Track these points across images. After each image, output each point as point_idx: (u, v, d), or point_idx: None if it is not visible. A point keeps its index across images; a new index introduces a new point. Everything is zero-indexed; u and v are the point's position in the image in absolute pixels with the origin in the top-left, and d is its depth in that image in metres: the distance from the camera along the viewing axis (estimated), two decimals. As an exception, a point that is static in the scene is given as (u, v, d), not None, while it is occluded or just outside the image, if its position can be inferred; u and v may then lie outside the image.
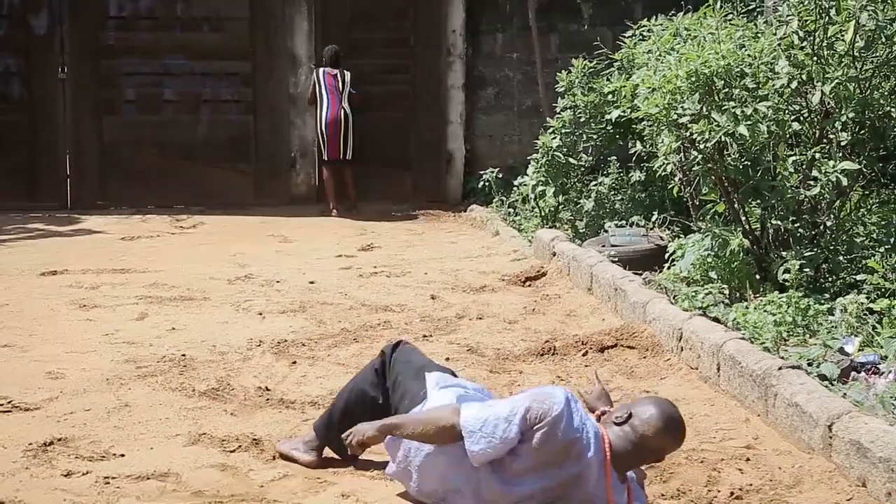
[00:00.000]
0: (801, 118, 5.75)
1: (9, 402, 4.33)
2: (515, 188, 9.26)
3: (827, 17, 5.46)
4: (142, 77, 11.41)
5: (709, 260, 5.67)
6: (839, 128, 5.57)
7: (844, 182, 5.44)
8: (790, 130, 5.66)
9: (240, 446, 3.85)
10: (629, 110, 6.93)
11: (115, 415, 4.23)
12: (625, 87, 6.93)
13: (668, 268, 6.16)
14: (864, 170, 5.75)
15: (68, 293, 6.70)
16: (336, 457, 3.72)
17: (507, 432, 3.06)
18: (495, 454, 3.08)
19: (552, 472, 3.07)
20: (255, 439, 3.91)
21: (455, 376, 3.64)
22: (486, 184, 10.16)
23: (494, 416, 3.09)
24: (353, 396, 3.69)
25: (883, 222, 5.96)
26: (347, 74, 10.74)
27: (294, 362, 5.02)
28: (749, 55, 5.68)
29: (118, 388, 4.60)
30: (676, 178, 6.43)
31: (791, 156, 5.74)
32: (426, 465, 3.28)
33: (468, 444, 3.09)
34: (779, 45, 5.66)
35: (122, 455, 3.77)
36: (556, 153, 8.45)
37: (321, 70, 10.78)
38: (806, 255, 5.46)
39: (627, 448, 3.10)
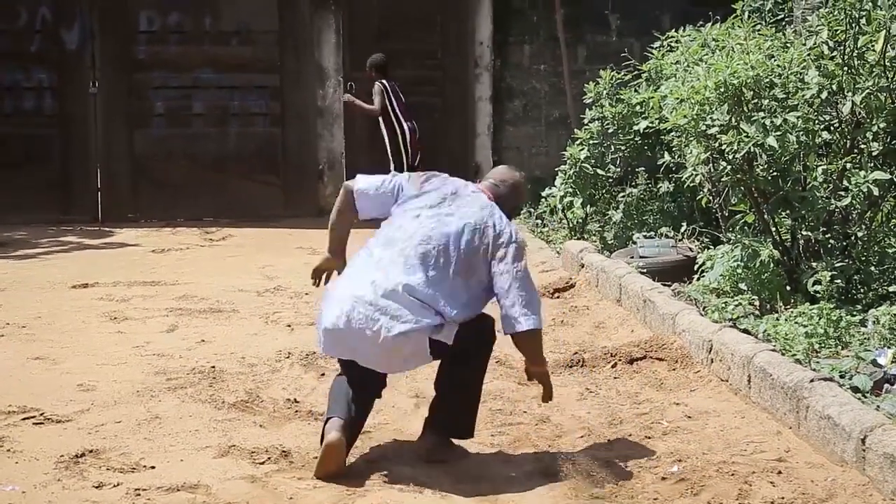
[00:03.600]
0: (832, 128, 5.71)
1: (41, 414, 4.37)
2: (543, 199, 9.24)
3: (857, 27, 5.43)
4: (171, 91, 11.53)
5: (738, 271, 5.63)
6: (870, 138, 5.53)
7: (876, 192, 5.39)
8: (820, 141, 5.62)
9: (269, 458, 3.86)
10: (657, 121, 6.91)
11: (146, 427, 4.25)
12: (653, 97, 6.91)
13: (698, 279, 6.13)
14: (896, 180, 5.70)
15: (99, 306, 6.75)
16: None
17: (392, 182, 4.05)
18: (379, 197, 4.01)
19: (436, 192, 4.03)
20: (284, 451, 3.92)
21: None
22: (514, 195, 10.13)
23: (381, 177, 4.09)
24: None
25: (915, 233, 5.91)
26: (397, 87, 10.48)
27: (323, 374, 5.03)
28: (778, 65, 5.65)
29: (148, 399, 4.63)
30: (705, 189, 6.40)
31: (821, 166, 5.70)
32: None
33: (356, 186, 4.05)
34: (808, 55, 5.62)
35: (153, 467, 3.79)
36: (584, 164, 8.42)
37: (387, 83, 10.33)
38: (837, 266, 5.42)
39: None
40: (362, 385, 3.85)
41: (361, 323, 3.73)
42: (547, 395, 4.05)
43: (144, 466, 3.79)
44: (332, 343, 3.86)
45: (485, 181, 4.23)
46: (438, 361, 3.92)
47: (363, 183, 4.07)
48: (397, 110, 10.34)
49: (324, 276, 4.19)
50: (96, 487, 3.58)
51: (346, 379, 3.87)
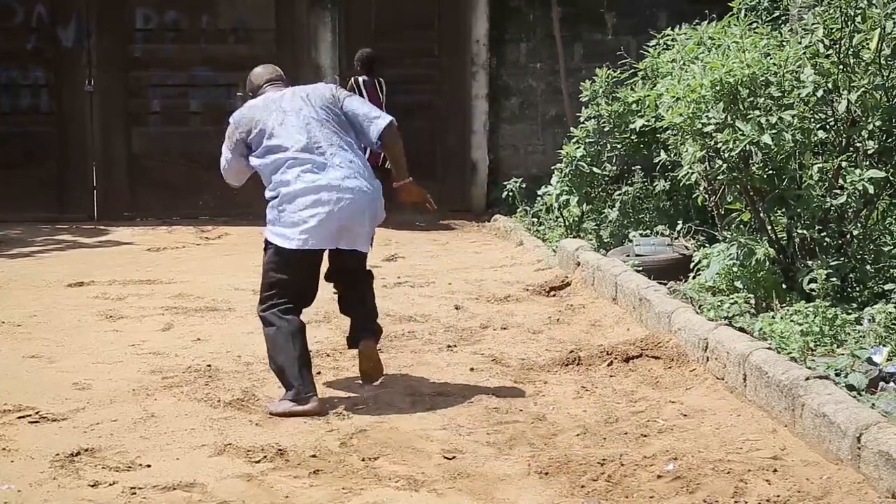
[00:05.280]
0: (827, 127, 5.72)
1: (36, 413, 4.37)
2: (539, 198, 9.24)
3: (852, 26, 5.44)
4: (168, 89, 11.50)
5: (734, 269, 5.64)
6: (866, 136, 5.54)
7: (871, 190, 5.40)
8: (816, 139, 5.63)
9: (265, 457, 3.86)
10: (653, 119, 6.92)
11: (142, 425, 4.25)
12: (649, 96, 6.91)
13: (694, 277, 6.14)
14: (892, 178, 5.70)
15: (95, 304, 6.75)
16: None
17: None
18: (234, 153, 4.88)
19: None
20: (280, 450, 3.92)
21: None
22: (510, 194, 10.15)
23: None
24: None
25: (911, 231, 5.92)
26: (383, 83, 10.50)
27: (318, 373, 5.03)
28: (774, 64, 5.66)
29: (144, 398, 4.63)
30: (701, 188, 6.41)
31: (817, 164, 5.71)
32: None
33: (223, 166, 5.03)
34: (804, 53, 5.63)
35: (149, 465, 3.79)
36: (580, 163, 8.43)
37: (360, 80, 10.38)
38: (832, 264, 5.42)
39: None
40: (301, 299, 4.70)
41: (344, 207, 4.57)
42: (428, 202, 5.11)
43: (140, 465, 3.79)
44: (320, 237, 4.57)
45: (280, 83, 4.98)
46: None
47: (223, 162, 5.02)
48: None
49: None
50: (92, 486, 3.58)
51: (284, 315, 4.57)
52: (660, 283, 6.18)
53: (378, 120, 4.77)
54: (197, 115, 11.53)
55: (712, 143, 5.78)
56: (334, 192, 4.55)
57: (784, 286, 5.68)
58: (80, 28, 11.35)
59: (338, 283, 4.93)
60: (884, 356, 4.42)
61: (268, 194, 4.70)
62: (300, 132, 4.65)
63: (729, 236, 5.88)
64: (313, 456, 3.87)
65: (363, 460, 3.84)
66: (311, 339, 5.69)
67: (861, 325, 4.88)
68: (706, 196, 6.42)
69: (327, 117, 4.73)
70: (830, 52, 5.55)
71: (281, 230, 4.58)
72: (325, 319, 6.22)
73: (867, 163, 5.59)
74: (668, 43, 7.46)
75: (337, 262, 4.80)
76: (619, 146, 8.59)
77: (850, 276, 5.62)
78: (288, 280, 4.59)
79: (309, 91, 4.83)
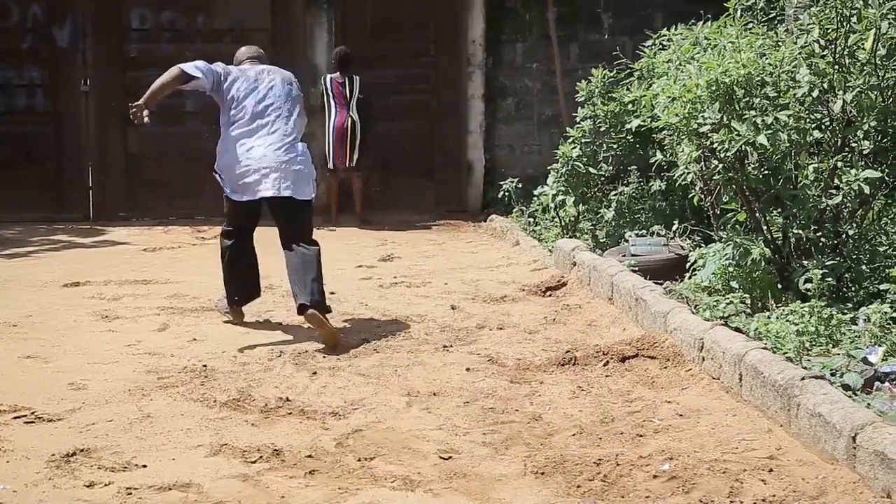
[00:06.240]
0: (823, 127, 5.73)
1: (32, 413, 4.37)
2: (535, 198, 9.25)
3: (848, 26, 5.44)
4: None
5: (730, 269, 5.65)
6: (861, 136, 5.55)
7: (867, 191, 5.41)
8: (811, 139, 5.63)
9: (261, 457, 3.86)
10: (649, 119, 6.92)
11: (137, 425, 4.25)
12: (645, 96, 6.92)
13: (689, 277, 6.14)
14: (887, 178, 5.72)
15: (91, 304, 6.74)
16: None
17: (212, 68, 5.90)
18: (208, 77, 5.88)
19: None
20: (276, 450, 3.92)
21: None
22: (506, 194, 10.16)
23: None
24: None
25: (906, 231, 5.93)
26: (357, 80, 10.71)
27: (315, 373, 5.03)
28: (770, 64, 5.66)
29: (140, 398, 4.63)
30: (697, 188, 6.42)
31: (812, 164, 5.71)
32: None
33: (189, 70, 5.85)
34: (799, 53, 5.64)
35: (145, 466, 3.79)
36: (576, 163, 8.44)
37: (328, 77, 10.80)
38: (828, 264, 5.43)
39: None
40: (242, 231, 6.15)
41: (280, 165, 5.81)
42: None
43: (136, 465, 3.79)
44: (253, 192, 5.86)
45: (257, 60, 6.21)
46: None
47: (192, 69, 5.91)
48: (332, 104, 10.69)
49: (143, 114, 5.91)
50: (88, 486, 3.58)
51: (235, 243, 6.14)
52: (656, 283, 6.19)
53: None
54: (193, 115, 11.51)
55: (708, 143, 5.79)
56: (268, 159, 5.78)
57: (780, 286, 5.69)
58: (76, 28, 11.34)
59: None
60: (879, 356, 4.43)
61: (228, 133, 5.88)
62: (263, 96, 5.87)
63: (725, 236, 5.88)
64: (309, 456, 3.87)
65: (359, 460, 3.84)
66: (307, 338, 5.71)
67: (856, 324, 4.88)
68: (702, 196, 6.43)
69: (286, 93, 5.94)
70: (826, 52, 5.56)
71: (231, 187, 5.92)
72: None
73: (862, 163, 5.60)
74: (665, 43, 7.48)
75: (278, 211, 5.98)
76: (615, 146, 8.60)
77: (846, 276, 5.63)
78: (233, 218, 6.14)
79: (278, 70, 6.08)
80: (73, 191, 11.43)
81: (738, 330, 4.99)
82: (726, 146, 5.54)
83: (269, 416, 4.37)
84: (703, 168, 6.12)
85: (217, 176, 5.97)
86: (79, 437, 4.10)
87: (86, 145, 11.41)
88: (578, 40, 11.57)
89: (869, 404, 3.93)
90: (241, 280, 6.13)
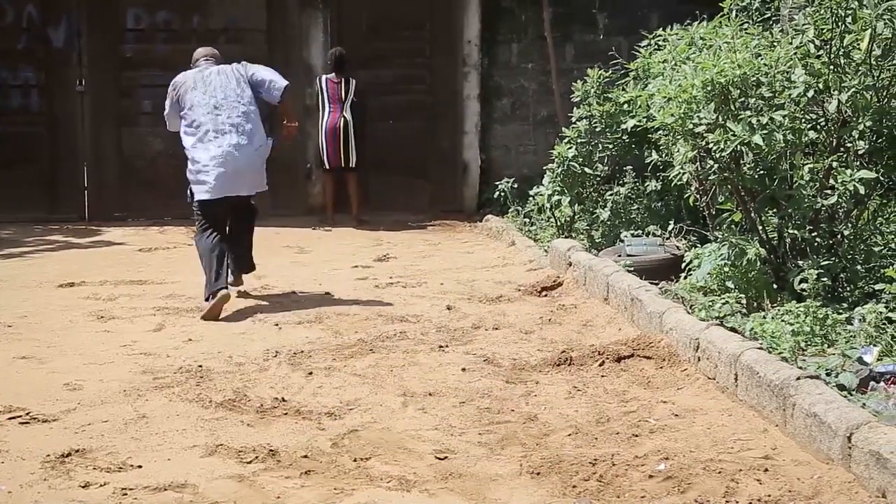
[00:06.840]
0: (818, 127, 5.73)
1: (27, 414, 4.36)
2: (531, 198, 9.25)
3: (843, 26, 5.45)
4: (159, 89, 11.33)
5: (725, 269, 5.65)
6: (856, 136, 5.55)
7: (862, 191, 5.41)
8: (807, 139, 5.64)
9: (256, 457, 3.86)
10: (645, 120, 6.93)
11: (133, 426, 4.25)
12: (640, 96, 6.92)
13: (685, 277, 6.15)
14: (882, 178, 5.73)
15: (86, 305, 6.73)
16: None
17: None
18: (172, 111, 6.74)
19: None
20: (271, 450, 3.92)
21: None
22: (502, 194, 10.16)
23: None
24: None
25: (901, 231, 5.94)
26: (353, 82, 10.73)
27: (310, 373, 5.03)
28: (765, 64, 5.67)
29: (135, 399, 4.62)
30: (692, 188, 6.42)
31: (808, 164, 5.72)
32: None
33: (169, 127, 6.89)
34: (795, 53, 5.64)
35: (140, 466, 3.78)
36: (571, 163, 8.43)
37: (324, 77, 10.82)
38: (823, 264, 5.43)
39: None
40: (216, 226, 6.61)
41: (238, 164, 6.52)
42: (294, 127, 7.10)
43: (131, 466, 3.78)
44: (220, 188, 6.52)
45: (212, 60, 6.83)
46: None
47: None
48: (325, 104, 10.73)
49: None
50: (83, 487, 3.57)
51: (211, 232, 6.58)
52: (651, 283, 6.19)
53: (278, 82, 6.64)
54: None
55: (703, 143, 5.79)
56: (227, 155, 6.44)
57: (775, 286, 5.69)
58: (71, 28, 11.33)
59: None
60: (874, 356, 4.43)
61: (185, 142, 6.55)
62: (211, 101, 6.47)
63: (720, 236, 5.89)
64: (305, 456, 3.87)
65: (355, 461, 3.84)
66: (303, 338, 5.71)
67: (852, 324, 4.89)
68: (697, 196, 6.44)
69: (238, 90, 6.54)
70: (821, 52, 5.56)
71: (197, 186, 6.50)
72: (316, 320, 6.22)
73: (858, 163, 5.61)
74: (660, 43, 7.47)
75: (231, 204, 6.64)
76: (610, 146, 8.60)
77: (841, 276, 5.63)
78: (207, 215, 6.59)
79: (228, 69, 6.60)
80: (68, 191, 11.42)
81: (733, 330, 4.99)
82: (722, 146, 5.55)
83: (264, 416, 4.37)
84: (699, 168, 6.12)
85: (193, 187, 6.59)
86: (74, 437, 4.09)
87: (81, 145, 11.39)
88: (574, 41, 11.57)
89: (864, 404, 3.94)
90: (219, 261, 6.54)
